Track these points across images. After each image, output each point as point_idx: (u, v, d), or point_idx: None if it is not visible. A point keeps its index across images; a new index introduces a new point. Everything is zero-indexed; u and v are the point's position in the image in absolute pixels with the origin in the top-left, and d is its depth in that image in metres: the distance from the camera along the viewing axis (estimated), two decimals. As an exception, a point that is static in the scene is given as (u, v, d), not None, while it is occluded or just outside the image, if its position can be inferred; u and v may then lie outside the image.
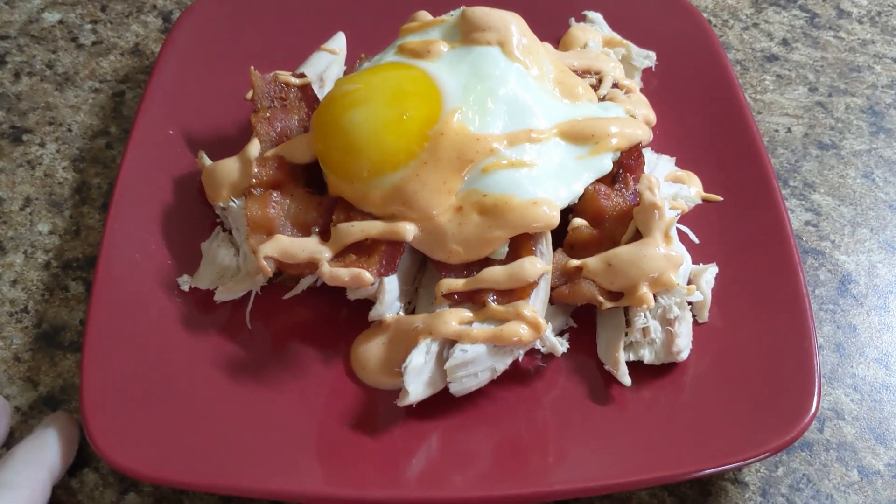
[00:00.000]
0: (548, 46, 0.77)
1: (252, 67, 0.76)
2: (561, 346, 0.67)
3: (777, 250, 0.71)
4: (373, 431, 0.65)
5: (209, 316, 0.70)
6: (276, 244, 0.67)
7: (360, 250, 0.67)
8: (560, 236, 0.70)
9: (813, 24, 0.97)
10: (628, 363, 0.67)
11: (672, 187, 0.75)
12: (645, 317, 0.67)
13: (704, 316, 0.70)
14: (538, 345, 0.67)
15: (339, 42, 0.85)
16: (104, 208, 0.80)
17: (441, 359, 0.65)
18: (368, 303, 0.69)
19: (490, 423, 0.65)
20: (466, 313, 0.66)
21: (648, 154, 0.76)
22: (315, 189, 0.72)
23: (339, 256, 0.67)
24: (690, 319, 0.68)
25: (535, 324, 0.65)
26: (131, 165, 0.75)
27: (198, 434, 0.63)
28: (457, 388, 0.64)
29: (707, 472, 0.61)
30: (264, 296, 0.71)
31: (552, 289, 0.68)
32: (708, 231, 0.73)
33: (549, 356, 0.68)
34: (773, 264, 0.71)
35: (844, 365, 0.72)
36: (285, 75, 0.76)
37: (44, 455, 0.63)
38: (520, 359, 0.66)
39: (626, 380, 0.66)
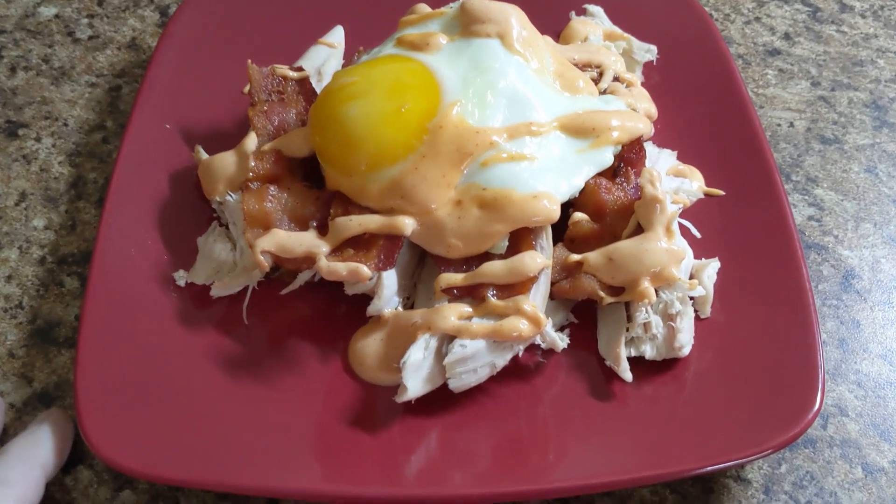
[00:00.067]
0: (548, 39, 0.77)
1: (249, 61, 0.75)
2: (561, 341, 0.66)
3: (780, 245, 0.71)
4: (371, 428, 0.64)
5: (205, 312, 0.70)
6: (273, 239, 0.67)
7: (359, 245, 0.67)
8: (560, 231, 0.69)
9: (815, 18, 0.96)
10: (629, 359, 0.66)
11: (674, 181, 0.74)
12: (646, 312, 0.66)
13: (706, 311, 0.69)
14: (538, 340, 0.66)
15: (337, 35, 0.84)
16: (100, 203, 0.80)
17: (440, 354, 0.64)
18: (366, 298, 0.68)
19: (489, 420, 0.65)
20: (466, 308, 0.65)
21: (650, 148, 0.76)
22: (313, 183, 0.71)
23: (337, 251, 0.67)
24: (692, 315, 0.68)
25: (536, 319, 0.64)
26: (127, 160, 0.75)
27: (194, 431, 0.63)
28: (456, 385, 0.64)
29: (709, 469, 0.61)
30: (261, 291, 0.70)
31: (552, 284, 0.67)
32: (710, 226, 0.73)
33: (550, 352, 0.67)
34: (775, 259, 0.70)
35: (848, 361, 0.72)
36: (283, 69, 0.76)
37: (38, 452, 0.62)
38: (519, 354, 0.66)
39: (628, 376, 0.66)
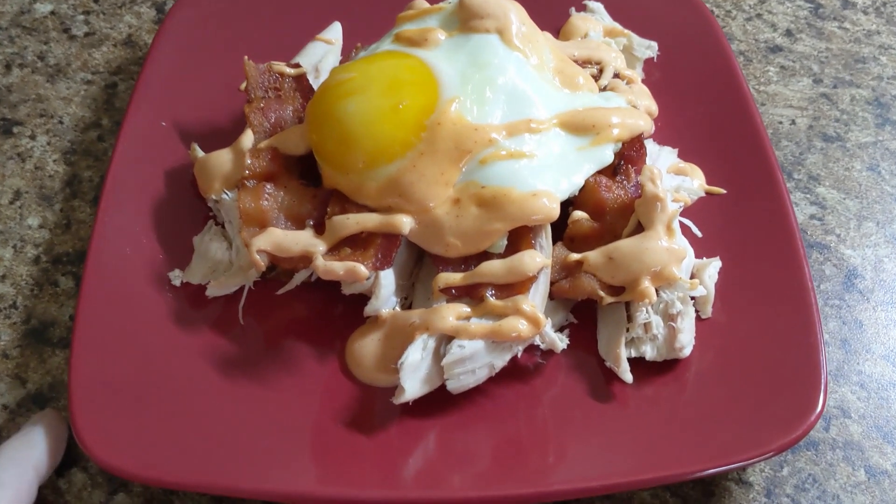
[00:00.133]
0: (548, 36, 0.76)
1: (246, 57, 0.75)
2: (561, 342, 0.66)
3: (781, 244, 0.70)
4: (368, 430, 0.64)
5: (201, 311, 0.69)
6: (270, 237, 0.66)
7: (356, 244, 0.66)
8: (560, 229, 0.69)
9: (817, 14, 0.95)
10: (630, 360, 0.66)
11: (674, 179, 0.74)
12: (647, 312, 0.66)
13: (707, 311, 0.69)
14: (537, 341, 0.66)
15: (334, 32, 0.84)
16: (96, 202, 0.79)
17: (438, 355, 0.64)
18: (364, 298, 0.68)
19: (488, 422, 0.64)
20: (464, 308, 0.64)
21: (650, 145, 0.75)
22: (309, 181, 0.71)
23: (334, 250, 0.66)
24: (693, 315, 0.67)
25: (535, 319, 0.63)
26: (122, 158, 0.75)
27: (189, 433, 0.62)
28: (454, 386, 0.63)
29: (710, 471, 0.60)
30: (257, 291, 0.70)
31: (552, 283, 0.67)
32: (711, 224, 0.73)
33: (549, 352, 0.67)
34: (777, 258, 0.70)
35: (850, 362, 0.71)
36: (280, 65, 0.75)
37: (31, 454, 0.62)
38: (518, 355, 0.65)
39: (628, 377, 0.65)
